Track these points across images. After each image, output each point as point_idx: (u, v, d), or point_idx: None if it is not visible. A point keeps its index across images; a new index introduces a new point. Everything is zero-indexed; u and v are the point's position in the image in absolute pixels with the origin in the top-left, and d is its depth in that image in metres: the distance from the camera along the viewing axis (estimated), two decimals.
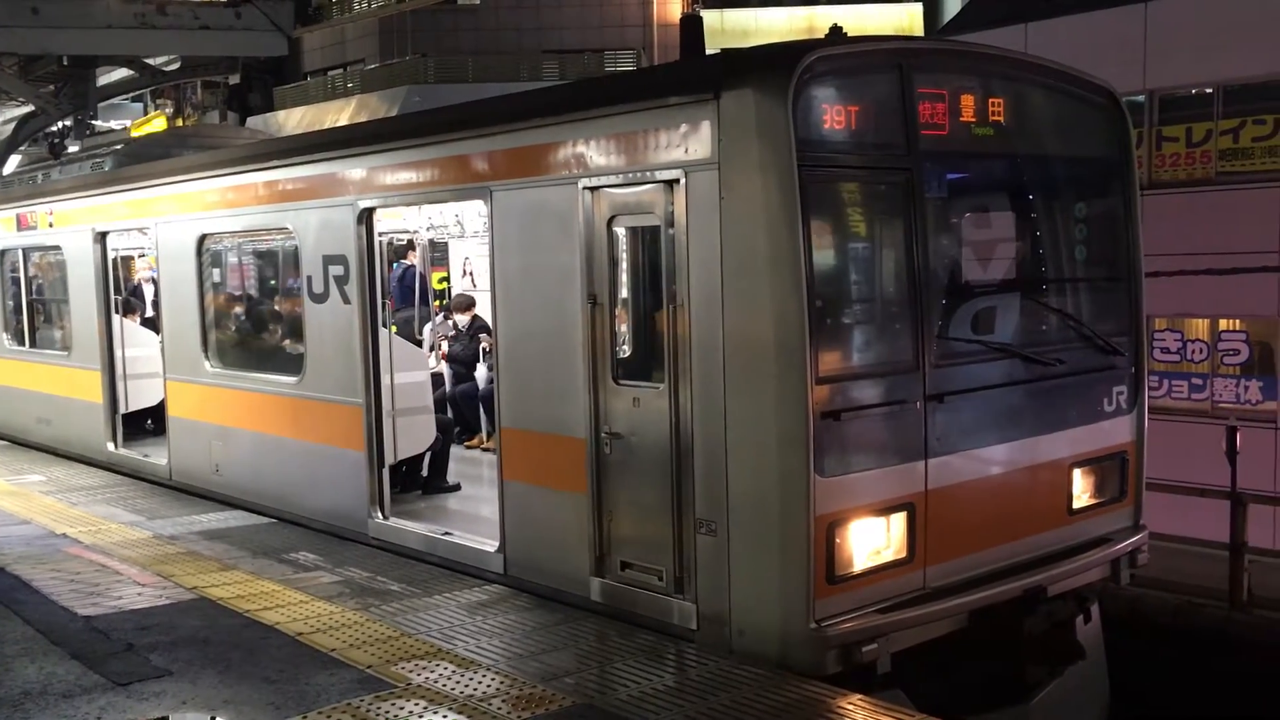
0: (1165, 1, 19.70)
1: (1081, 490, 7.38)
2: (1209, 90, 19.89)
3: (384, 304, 8.90)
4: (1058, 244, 7.54)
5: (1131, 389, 7.66)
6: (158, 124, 38.61)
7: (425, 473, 10.03)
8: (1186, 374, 20.08)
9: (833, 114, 6.08)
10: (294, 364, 9.71)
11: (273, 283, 10.94)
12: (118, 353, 12.35)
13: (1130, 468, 7.68)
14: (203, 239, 10.70)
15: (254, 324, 11.18)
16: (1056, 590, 7.02)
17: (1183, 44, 19.45)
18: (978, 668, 6.80)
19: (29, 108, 21.81)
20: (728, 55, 6.51)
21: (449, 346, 11.61)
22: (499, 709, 5.64)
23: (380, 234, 9.02)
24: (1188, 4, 19.47)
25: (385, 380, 8.74)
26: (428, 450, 9.70)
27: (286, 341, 10.31)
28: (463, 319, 11.65)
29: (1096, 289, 7.75)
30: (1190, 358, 20.05)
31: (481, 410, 11.68)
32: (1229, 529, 9.27)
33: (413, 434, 9.12)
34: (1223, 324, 19.78)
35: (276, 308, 10.74)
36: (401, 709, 5.66)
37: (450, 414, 11.19)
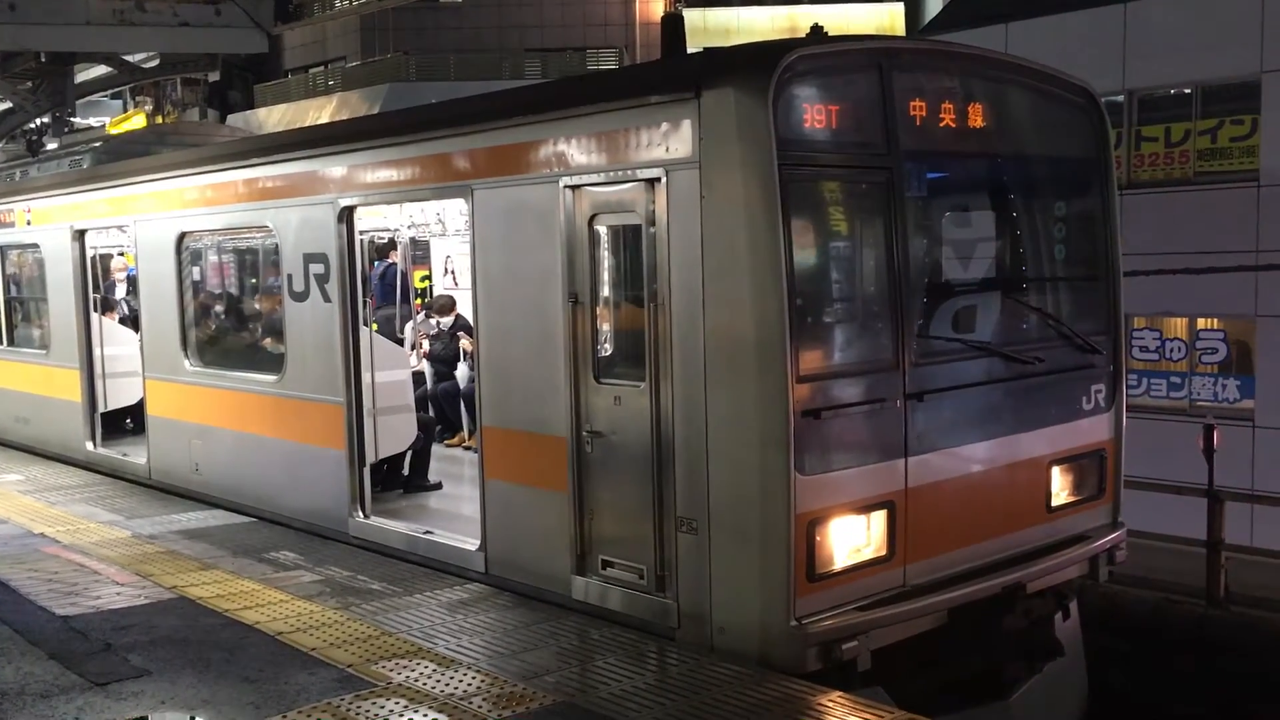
0: (1144, 2, 19.82)
1: (1060, 488, 7.42)
2: (1187, 90, 20.02)
3: (365, 302, 8.88)
4: (1037, 243, 7.58)
5: (1110, 387, 7.71)
6: (137, 121, 38.43)
7: (406, 471, 10.01)
8: (1165, 373, 20.23)
9: (813, 113, 6.10)
10: (274, 362, 9.68)
11: (253, 281, 10.90)
12: (96, 351, 12.27)
13: (1109, 465, 7.73)
14: (182, 237, 10.65)
15: (234, 322, 11.13)
16: (1035, 587, 7.06)
17: (1161, 44, 19.58)
18: (957, 665, 6.83)
19: (6, 104, 21.67)
20: (709, 54, 6.54)
21: (430, 345, 11.59)
22: (480, 707, 5.64)
23: (361, 232, 8.99)
24: (1166, 4, 19.60)
25: (366, 379, 8.72)
26: (409, 449, 9.68)
27: (267, 340, 10.26)
28: (445, 320, 11.63)
29: (1075, 288, 7.79)
30: (1168, 356, 20.19)
31: (463, 408, 11.66)
32: (1206, 526, 9.34)
33: (394, 432, 9.10)
34: (1201, 323, 19.93)
35: (256, 306, 10.70)
36: (382, 708, 5.65)
37: (431, 412, 11.17)
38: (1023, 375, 7.07)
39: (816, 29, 6.94)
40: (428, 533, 8.36)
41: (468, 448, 11.16)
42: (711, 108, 6.06)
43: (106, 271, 14.32)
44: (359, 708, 5.66)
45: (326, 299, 8.80)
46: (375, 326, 9.44)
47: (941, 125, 6.69)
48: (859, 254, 6.83)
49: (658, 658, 6.31)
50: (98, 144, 14.97)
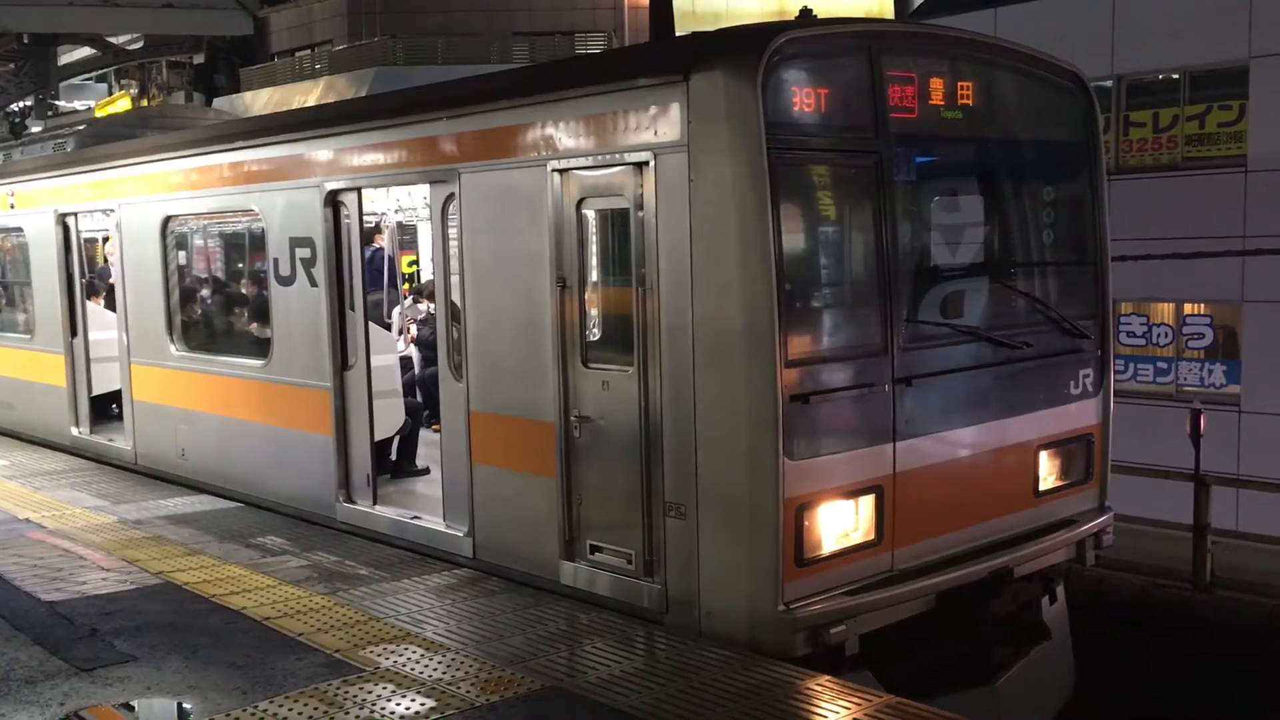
0: None
1: (1048, 472, 7.43)
2: (1176, 76, 20.03)
3: (352, 287, 8.82)
4: (1025, 228, 7.58)
5: (1097, 372, 7.72)
6: (122, 104, 38.14)
7: (394, 456, 9.97)
8: (1152, 358, 20.30)
9: (802, 97, 6.08)
10: (261, 347, 9.64)
11: (239, 265, 10.85)
12: (80, 336, 12.20)
13: (1096, 450, 7.75)
14: (167, 221, 10.58)
15: (220, 307, 11.08)
16: (1023, 571, 7.08)
17: (1150, 29, 19.57)
18: (945, 648, 6.85)
19: None
20: (697, 37, 6.49)
21: (418, 330, 11.55)
22: (467, 692, 5.63)
23: (347, 216, 8.94)
24: None
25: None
26: (396, 434, 9.65)
27: (253, 325, 10.22)
28: (435, 304, 11.56)
29: (1063, 273, 7.80)
30: (1155, 341, 20.26)
31: None
32: (1193, 510, 9.38)
33: (381, 417, 9.06)
34: (1187, 308, 19.99)
35: (243, 290, 10.64)
36: (369, 692, 5.64)
37: (419, 397, 11.13)
38: (1011, 360, 7.08)
39: (805, 12, 6.90)
40: (415, 518, 8.33)
41: None
42: (700, 91, 6.03)
43: (93, 257, 14.23)
44: (346, 692, 5.64)
45: (313, 283, 8.76)
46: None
47: (930, 109, 6.67)
48: (848, 238, 6.82)
49: (646, 642, 6.31)
50: (82, 127, 14.86)
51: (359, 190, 8.47)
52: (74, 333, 12.24)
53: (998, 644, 7.20)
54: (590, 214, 6.83)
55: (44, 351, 12.66)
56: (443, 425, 8.02)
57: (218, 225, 10.70)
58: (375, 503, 8.56)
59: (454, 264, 7.73)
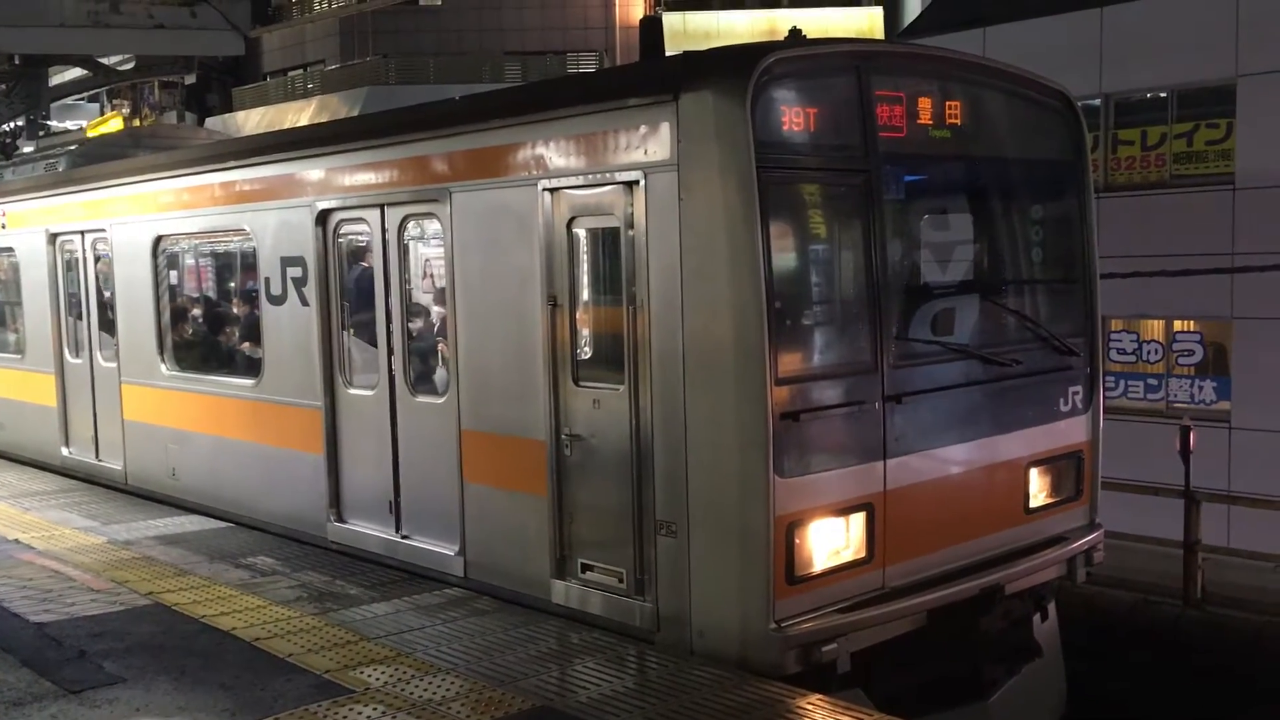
0: (1121, 7, 19.94)
1: (1038, 489, 7.44)
2: (1163, 94, 20.15)
3: (343, 306, 8.82)
4: (1014, 246, 7.62)
5: (1087, 389, 7.74)
6: (114, 124, 38.17)
7: None
8: (1142, 374, 20.33)
9: (791, 116, 6.11)
10: (252, 366, 9.63)
11: (230, 285, 10.84)
12: (69, 356, 12.17)
13: (1086, 467, 7.76)
14: (159, 240, 10.58)
15: (211, 326, 11.06)
16: (1013, 589, 7.08)
17: (1138, 49, 19.69)
18: (936, 666, 6.85)
19: None
20: (687, 57, 6.53)
21: None
22: (458, 712, 5.61)
23: (339, 235, 8.96)
24: (1143, 9, 19.72)
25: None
26: None
27: (244, 344, 10.21)
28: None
29: (1053, 290, 7.83)
30: (1145, 358, 20.30)
31: None
32: (1183, 527, 9.39)
33: None
34: (1177, 325, 20.04)
35: (234, 310, 10.64)
36: (359, 714, 5.62)
37: None
38: (1001, 377, 7.10)
39: (795, 32, 6.94)
40: (406, 537, 8.31)
41: None
42: (690, 111, 6.06)
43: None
44: (336, 713, 5.62)
45: (304, 302, 8.76)
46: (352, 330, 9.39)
47: (919, 128, 6.71)
48: (837, 257, 6.84)
49: (637, 661, 6.30)
50: (74, 147, 14.86)
51: (384, 206, 8.21)
52: (63, 353, 12.20)
53: (989, 661, 7.19)
54: (581, 233, 6.85)
55: (35, 371, 12.63)
56: (398, 441, 8.02)
57: (209, 245, 10.70)
58: (399, 529, 8.24)
59: (415, 282, 7.76)
